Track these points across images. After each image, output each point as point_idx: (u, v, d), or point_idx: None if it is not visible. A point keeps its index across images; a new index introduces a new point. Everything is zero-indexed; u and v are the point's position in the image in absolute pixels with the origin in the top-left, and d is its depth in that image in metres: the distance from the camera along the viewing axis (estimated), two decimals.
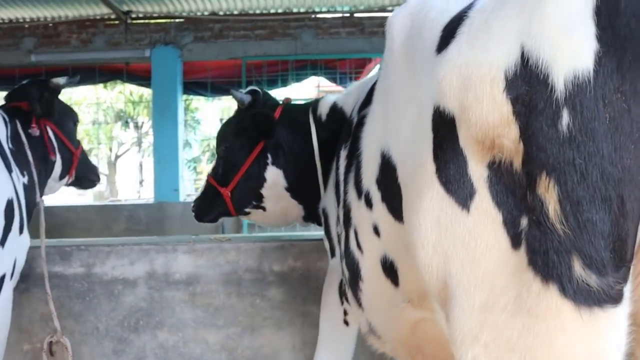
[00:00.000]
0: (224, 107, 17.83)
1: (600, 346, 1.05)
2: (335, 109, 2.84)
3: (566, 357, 1.06)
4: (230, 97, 3.29)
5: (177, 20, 9.24)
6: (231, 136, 3.11)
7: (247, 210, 3.13)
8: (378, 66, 10.10)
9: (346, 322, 2.67)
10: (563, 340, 1.05)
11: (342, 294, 2.58)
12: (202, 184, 3.76)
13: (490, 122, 1.07)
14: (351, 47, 9.55)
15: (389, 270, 1.64)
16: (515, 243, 1.08)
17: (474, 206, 1.12)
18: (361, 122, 1.83)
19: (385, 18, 1.51)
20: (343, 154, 2.02)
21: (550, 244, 1.03)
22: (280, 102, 3.11)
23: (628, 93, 0.98)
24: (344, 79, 10.13)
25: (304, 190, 2.96)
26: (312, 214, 2.98)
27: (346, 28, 9.51)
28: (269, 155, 2.97)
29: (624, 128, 0.98)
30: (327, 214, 2.59)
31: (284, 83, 9.78)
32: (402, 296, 1.63)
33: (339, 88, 10.78)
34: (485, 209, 1.11)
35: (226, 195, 3.06)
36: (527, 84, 1.04)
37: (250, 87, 3.17)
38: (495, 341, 1.12)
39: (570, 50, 1.00)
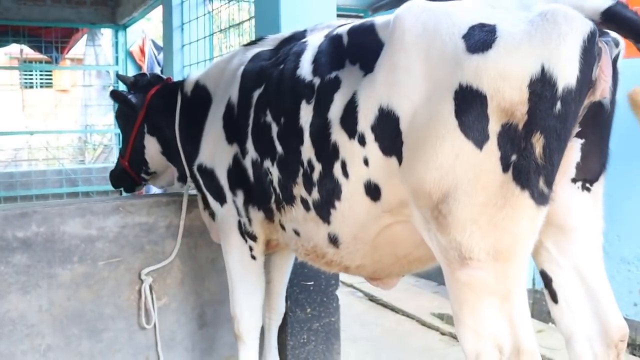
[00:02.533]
0: None
1: (539, 224, 1.92)
2: (198, 86, 3.36)
3: (526, 230, 1.91)
4: None
5: None
6: (120, 114, 3.83)
7: (143, 176, 3.83)
8: (86, 37, 9.94)
9: (253, 257, 3.09)
10: (525, 221, 1.89)
11: (244, 234, 3.04)
12: None
13: (516, 100, 1.82)
14: (57, 15, 9.26)
15: (373, 190, 2.22)
16: (505, 169, 1.84)
17: (485, 148, 1.84)
18: (330, 87, 2.35)
19: None
20: (308, 109, 2.43)
21: (531, 169, 1.83)
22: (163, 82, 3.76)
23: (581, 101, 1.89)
24: (50, 48, 9.83)
25: (174, 154, 3.53)
26: (182, 176, 3.55)
27: None
28: (145, 126, 3.63)
29: (577, 115, 1.90)
30: (209, 168, 3.09)
31: None
32: (381, 208, 2.23)
33: (44, 57, 10.37)
34: (491, 150, 1.84)
35: (125, 165, 3.79)
36: (541, 85, 1.80)
37: (141, 72, 3.78)
38: (487, 222, 1.86)
39: (568, 72, 1.80)
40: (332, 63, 2.42)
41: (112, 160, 10.37)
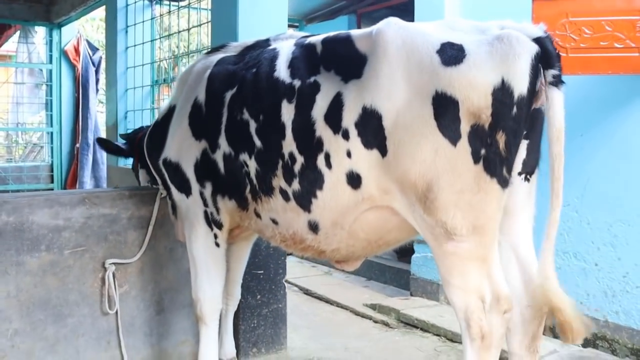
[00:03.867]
0: None
1: (503, 202, 2.39)
2: (169, 107, 3.57)
3: (495, 208, 2.37)
4: None
5: None
6: (133, 166, 4.34)
7: None
8: (19, 33, 9.83)
9: (217, 244, 3.36)
10: (495, 202, 2.35)
11: (210, 223, 3.30)
12: None
13: (482, 105, 2.26)
14: None
15: (354, 179, 2.55)
16: (476, 161, 2.25)
17: (459, 144, 2.24)
18: (310, 90, 2.67)
19: None
20: (290, 107, 2.74)
21: (497, 160, 2.28)
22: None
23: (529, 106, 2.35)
24: None
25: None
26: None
27: None
28: (139, 163, 4.11)
29: (527, 118, 2.35)
30: (174, 162, 3.38)
31: None
32: (362, 195, 2.55)
33: None
34: (464, 146, 2.24)
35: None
36: (501, 93, 2.26)
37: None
38: (466, 205, 2.28)
39: (521, 84, 2.27)
40: (308, 68, 2.76)
41: (42, 159, 10.28)
